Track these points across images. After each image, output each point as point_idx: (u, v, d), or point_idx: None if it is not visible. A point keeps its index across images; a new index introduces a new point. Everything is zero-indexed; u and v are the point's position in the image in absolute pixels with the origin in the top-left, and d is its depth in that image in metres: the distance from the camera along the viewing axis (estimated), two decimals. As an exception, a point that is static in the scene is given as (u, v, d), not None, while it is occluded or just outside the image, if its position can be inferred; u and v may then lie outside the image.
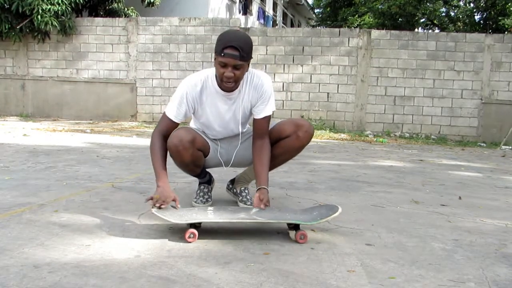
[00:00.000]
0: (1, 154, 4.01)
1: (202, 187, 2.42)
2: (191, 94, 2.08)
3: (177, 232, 1.86)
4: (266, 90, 2.11)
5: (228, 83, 1.98)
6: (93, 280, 1.36)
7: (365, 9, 17.53)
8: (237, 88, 2.07)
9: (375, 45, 8.35)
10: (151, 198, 1.89)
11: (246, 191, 2.44)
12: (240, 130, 2.20)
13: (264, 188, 2.03)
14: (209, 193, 2.42)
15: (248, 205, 2.32)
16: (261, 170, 2.08)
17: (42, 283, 1.33)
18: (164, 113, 2.12)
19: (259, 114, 2.13)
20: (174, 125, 2.10)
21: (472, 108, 8.21)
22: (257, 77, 2.11)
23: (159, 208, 1.86)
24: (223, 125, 2.19)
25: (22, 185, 2.73)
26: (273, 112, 2.18)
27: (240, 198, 2.42)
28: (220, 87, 2.06)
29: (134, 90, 9.05)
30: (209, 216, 1.88)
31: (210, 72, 2.09)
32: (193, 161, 2.16)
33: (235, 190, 2.47)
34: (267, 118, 2.15)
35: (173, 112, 2.08)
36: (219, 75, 1.98)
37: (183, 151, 2.07)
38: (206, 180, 2.43)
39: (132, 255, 1.60)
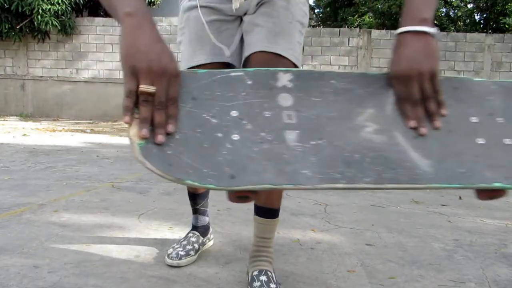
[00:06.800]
0: (1, 154, 4.01)
1: (190, 234, 1.60)
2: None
3: (177, 232, 1.86)
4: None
5: None
6: (93, 280, 1.36)
7: (365, 9, 17.53)
8: None
9: (375, 45, 8.35)
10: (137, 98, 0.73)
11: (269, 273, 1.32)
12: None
13: (417, 31, 0.82)
14: (195, 245, 1.55)
15: None
16: None
17: (42, 283, 1.33)
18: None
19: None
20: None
21: (472, 108, 8.20)
22: None
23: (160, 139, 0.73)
24: None
25: (22, 185, 2.73)
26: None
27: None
28: None
29: (134, 90, 9.05)
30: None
31: None
32: None
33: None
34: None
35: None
36: None
37: None
38: (200, 211, 1.60)
39: (132, 255, 1.59)
